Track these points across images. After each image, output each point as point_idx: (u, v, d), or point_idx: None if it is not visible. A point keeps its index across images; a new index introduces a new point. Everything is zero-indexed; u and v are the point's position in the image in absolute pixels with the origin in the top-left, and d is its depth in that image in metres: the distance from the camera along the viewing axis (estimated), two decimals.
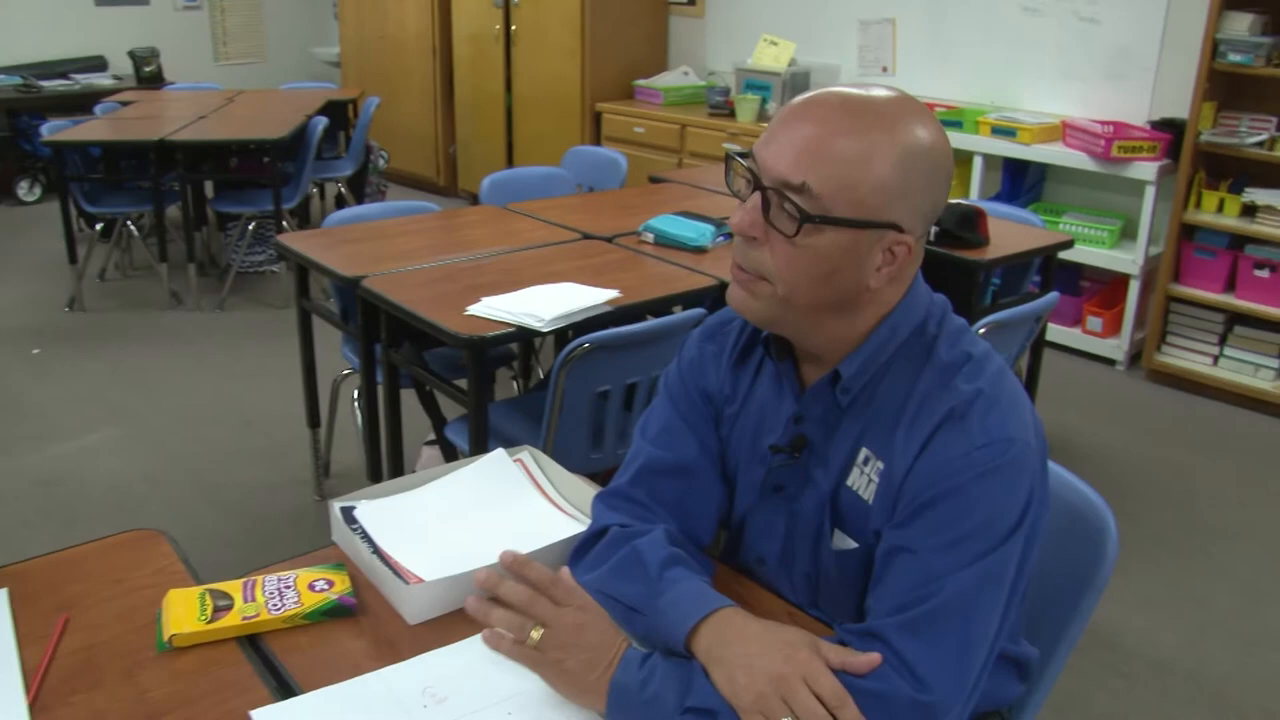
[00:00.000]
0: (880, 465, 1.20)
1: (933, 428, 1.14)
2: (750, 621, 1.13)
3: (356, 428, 3.08)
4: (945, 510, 1.11)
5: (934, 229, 2.90)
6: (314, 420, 3.31)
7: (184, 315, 5.00)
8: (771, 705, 1.04)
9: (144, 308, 5.09)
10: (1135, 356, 4.54)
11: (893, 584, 1.13)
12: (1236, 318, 4.24)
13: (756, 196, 1.15)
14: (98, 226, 5.33)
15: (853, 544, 1.23)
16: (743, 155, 1.18)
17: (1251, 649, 2.74)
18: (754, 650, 1.09)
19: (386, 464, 2.91)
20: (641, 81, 6.15)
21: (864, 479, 1.22)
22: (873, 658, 1.07)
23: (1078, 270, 4.68)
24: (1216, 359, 4.28)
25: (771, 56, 5.58)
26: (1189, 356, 4.34)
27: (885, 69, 5.38)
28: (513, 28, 6.38)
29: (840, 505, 1.24)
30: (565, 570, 1.23)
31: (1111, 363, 4.56)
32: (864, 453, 1.22)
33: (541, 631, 1.15)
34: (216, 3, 8.17)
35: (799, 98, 1.17)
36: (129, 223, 5.31)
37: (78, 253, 4.98)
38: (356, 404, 3.07)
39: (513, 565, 1.20)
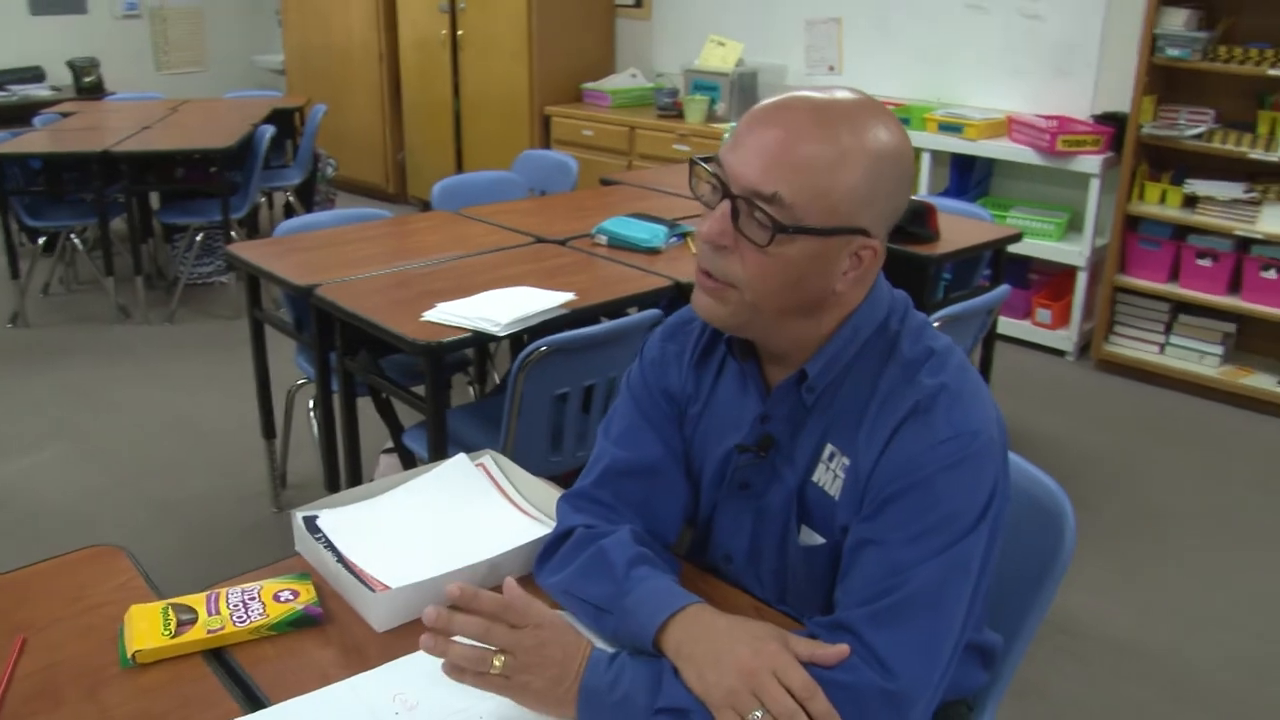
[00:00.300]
0: (846, 461, 1.21)
1: (897, 422, 1.16)
2: (718, 617, 1.14)
3: (313, 438, 3.05)
4: (911, 503, 1.13)
5: None
6: (269, 431, 3.28)
7: (132, 328, 4.92)
8: (742, 700, 1.05)
9: (90, 322, 5.00)
10: (1084, 347, 4.61)
11: (860, 576, 1.14)
12: (1181, 306, 4.33)
13: (726, 205, 1.15)
14: (40, 240, 5.23)
15: (820, 539, 1.25)
16: (708, 160, 1.17)
17: (1202, 628, 2.80)
18: (723, 646, 1.09)
19: (345, 473, 2.89)
20: (589, 84, 6.15)
21: (829, 475, 1.23)
22: (841, 649, 1.08)
23: (1026, 263, 4.75)
24: (1163, 347, 4.37)
25: (719, 57, 5.60)
26: (1136, 345, 4.43)
27: (832, 68, 5.42)
28: (459, 33, 6.35)
29: (806, 501, 1.25)
30: (510, 583, 1.16)
31: (1061, 353, 4.64)
32: (829, 449, 1.23)
33: (503, 658, 1.11)
34: (157, 11, 8.05)
35: (765, 103, 1.16)
36: (73, 236, 5.22)
37: (20, 268, 4.89)
38: (312, 414, 3.04)
39: (460, 600, 1.13)
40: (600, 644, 1.19)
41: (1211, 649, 2.72)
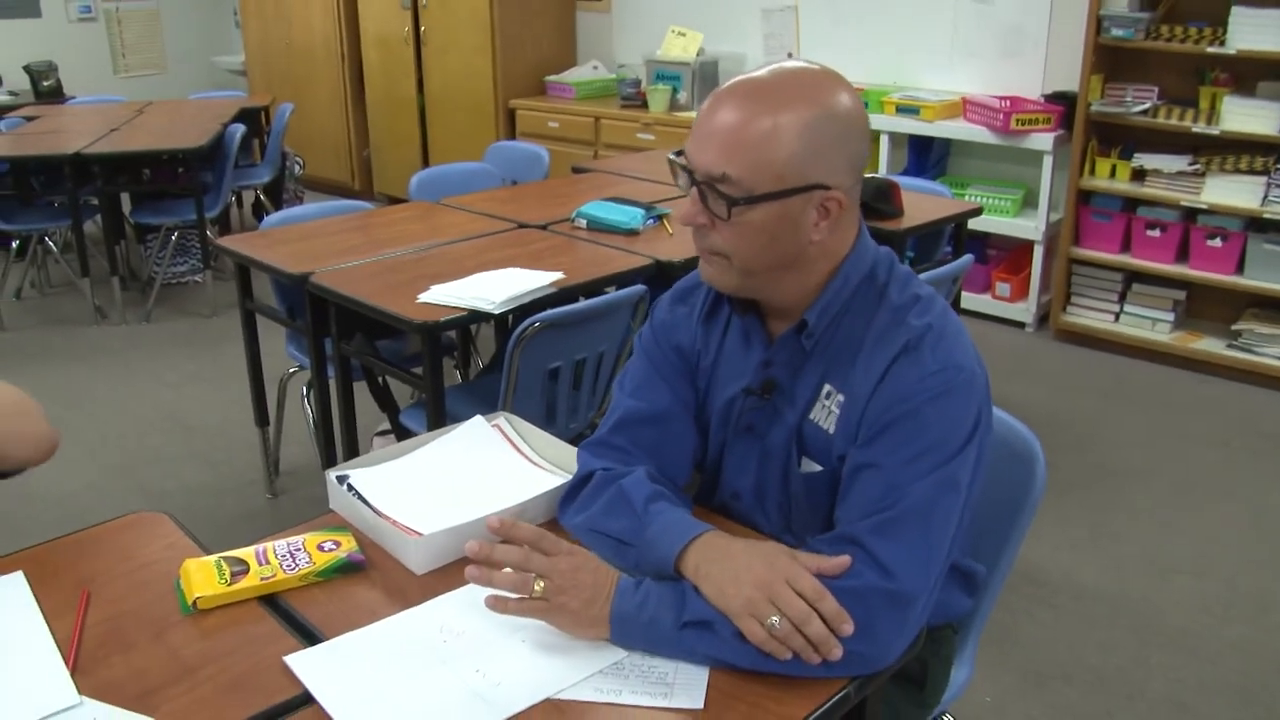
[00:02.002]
0: (841, 398, 1.34)
1: (890, 359, 1.29)
2: (732, 541, 1.26)
3: (308, 424, 3.13)
4: (904, 429, 1.26)
5: None
6: (262, 420, 3.35)
7: (110, 329, 4.96)
8: (760, 607, 1.17)
9: (67, 324, 5.04)
10: (1043, 318, 4.79)
11: (859, 495, 1.27)
12: (1134, 276, 4.51)
13: (694, 190, 1.30)
14: (14, 245, 5.24)
15: (818, 467, 1.38)
16: (679, 154, 1.33)
17: (1162, 576, 2.96)
18: (739, 563, 1.22)
19: (342, 457, 2.98)
20: (553, 77, 6.24)
21: (824, 411, 1.36)
22: (843, 560, 1.21)
23: (984, 239, 4.91)
24: (1118, 315, 4.55)
25: (680, 47, 5.72)
26: (1092, 315, 4.60)
27: (790, 55, 5.56)
28: (422, 29, 6.42)
29: (804, 436, 1.38)
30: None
31: (1021, 325, 4.81)
32: (826, 388, 1.36)
33: (542, 583, 1.23)
34: (112, 14, 8.04)
35: (712, 94, 1.30)
36: (46, 239, 5.24)
37: None
38: (306, 400, 3.12)
39: (500, 529, 1.26)
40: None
41: (1174, 593, 2.88)
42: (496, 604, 1.23)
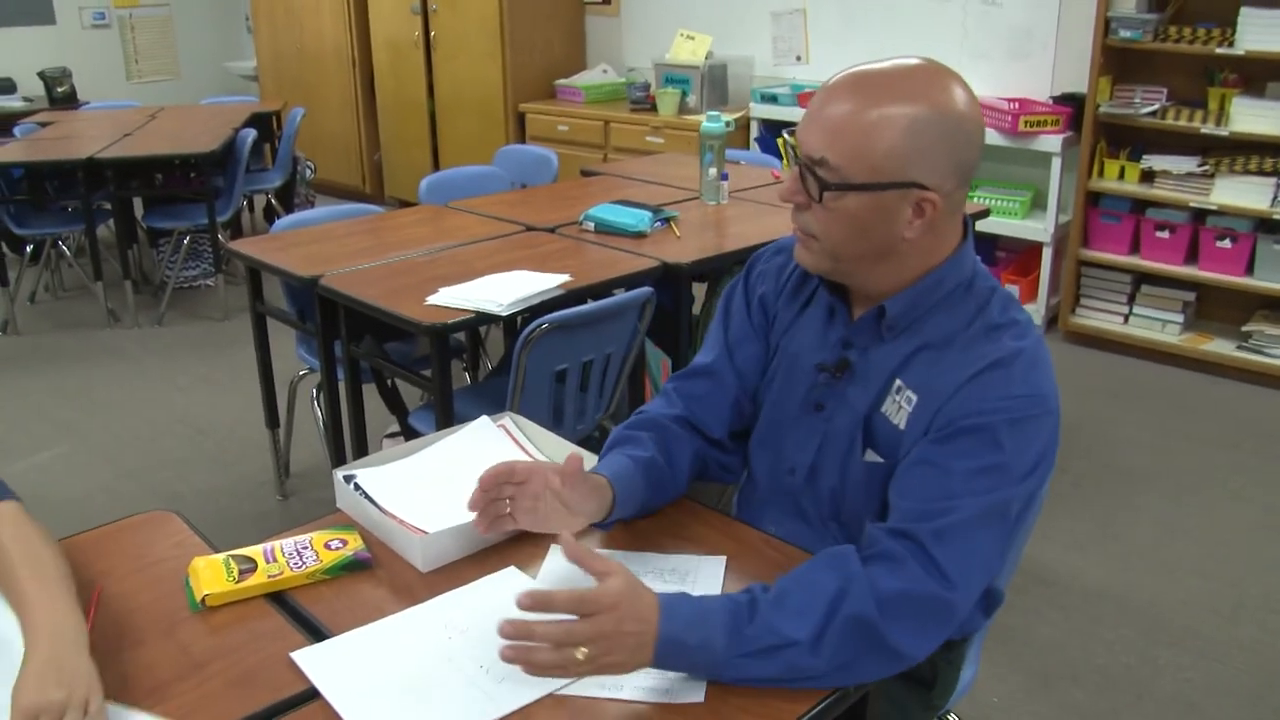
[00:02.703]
0: (914, 398, 1.35)
1: (978, 369, 1.29)
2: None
3: (318, 427, 3.15)
4: (976, 440, 1.26)
5: None
6: (273, 422, 3.38)
7: (122, 332, 5.00)
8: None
9: (80, 327, 5.08)
10: (1052, 320, 4.79)
11: (918, 489, 1.28)
12: (1143, 277, 4.50)
13: (796, 169, 1.33)
14: (28, 249, 5.28)
15: (881, 460, 1.39)
16: (791, 132, 1.37)
17: (1170, 576, 2.96)
18: None
19: (351, 458, 2.99)
20: (562, 81, 6.27)
21: (895, 407, 1.37)
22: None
23: (993, 241, 4.92)
24: (1127, 317, 4.54)
25: (689, 51, 5.73)
26: (1101, 316, 4.60)
27: (799, 58, 5.57)
28: (432, 34, 6.45)
29: (872, 428, 1.40)
30: (566, 537, 1.20)
31: None
32: (897, 383, 1.37)
33: (585, 650, 1.14)
34: (126, 21, 8.09)
35: (826, 82, 1.33)
36: (60, 243, 5.28)
37: (8, 276, 4.95)
38: (315, 403, 3.14)
39: (532, 605, 1.15)
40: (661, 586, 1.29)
41: (1182, 593, 2.88)
42: (537, 673, 1.16)
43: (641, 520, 1.50)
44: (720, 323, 1.61)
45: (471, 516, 1.42)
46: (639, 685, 1.18)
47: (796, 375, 1.50)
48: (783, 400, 1.52)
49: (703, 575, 1.38)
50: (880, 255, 1.35)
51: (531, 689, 1.17)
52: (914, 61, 1.31)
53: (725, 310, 1.61)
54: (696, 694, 1.17)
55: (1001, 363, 1.29)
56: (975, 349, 1.32)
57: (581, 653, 1.14)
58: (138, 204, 5.55)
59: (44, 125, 5.74)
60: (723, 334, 1.59)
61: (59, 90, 7.28)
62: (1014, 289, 4.79)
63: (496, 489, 1.39)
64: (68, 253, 5.41)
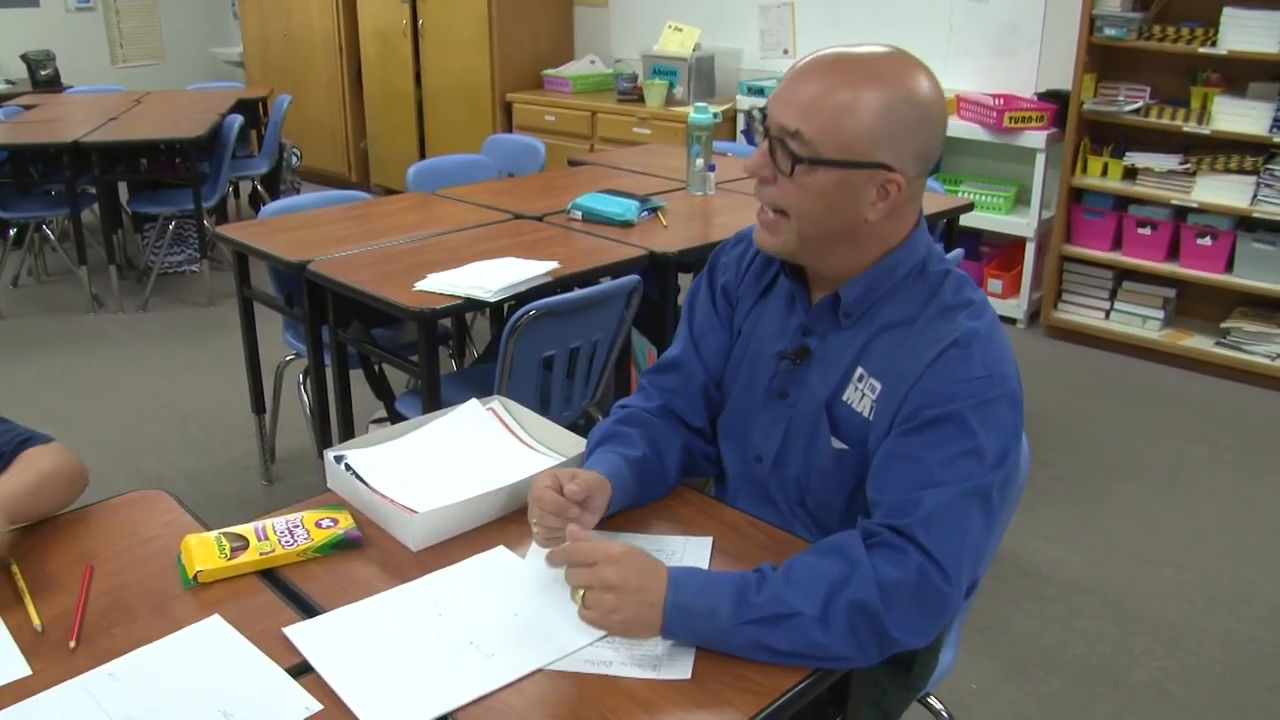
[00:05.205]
0: (877, 385, 1.37)
1: (937, 353, 1.32)
2: None
3: (305, 411, 3.16)
4: (946, 429, 1.28)
5: None
6: (259, 406, 3.38)
7: (107, 317, 4.98)
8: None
9: (64, 312, 5.06)
10: (1034, 314, 4.83)
11: (897, 484, 1.29)
12: (1124, 273, 4.54)
13: (765, 142, 1.35)
14: (11, 232, 5.26)
15: (848, 447, 1.42)
16: (761, 109, 1.38)
17: (1147, 568, 3.00)
18: None
19: (337, 442, 2.99)
20: (550, 71, 6.27)
21: (858, 394, 1.40)
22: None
23: (977, 236, 4.95)
24: (1108, 313, 4.59)
25: (676, 42, 5.74)
26: (1083, 312, 4.64)
27: (786, 51, 5.59)
28: (420, 22, 6.44)
29: (836, 417, 1.42)
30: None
31: (1013, 321, 4.84)
32: (859, 370, 1.40)
33: (582, 594, 1.23)
34: (111, 4, 8.04)
35: (802, 59, 1.35)
36: (44, 227, 5.26)
37: None
38: (302, 388, 3.15)
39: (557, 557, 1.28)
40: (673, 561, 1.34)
41: (1158, 585, 2.92)
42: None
43: None
44: (686, 316, 1.64)
45: (461, 498, 1.44)
46: (627, 660, 1.20)
47: (760, 363, 1.52)
48: (748, 388, 1.54)
49: (689, 556, 1.40)
50: (840, 236, 1.37)
51: (521, 663, 1.19)
52: (886, 48, 1.34)
53: (690, 304, 1.64)
54: (684, 670, 1.19)
55: (958, 343, 1.31)
56: (932, 330, 1.34)
57: (580, 596, 1.22)
58: (123, 188, 5.52)
59: (28, 108, 5.70)
60: (688, 327, 1.62)
61: (42, 73, 7.22)
62: (997, 283, 4.84)
63: (560, 520, 1.35)
64: (52, 237, 5.39)
